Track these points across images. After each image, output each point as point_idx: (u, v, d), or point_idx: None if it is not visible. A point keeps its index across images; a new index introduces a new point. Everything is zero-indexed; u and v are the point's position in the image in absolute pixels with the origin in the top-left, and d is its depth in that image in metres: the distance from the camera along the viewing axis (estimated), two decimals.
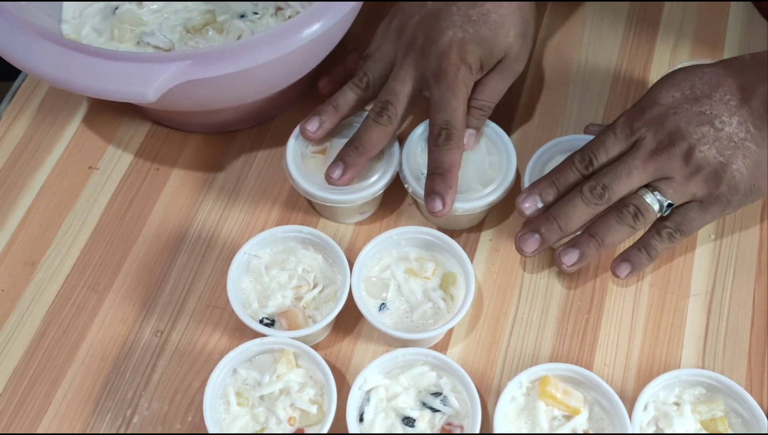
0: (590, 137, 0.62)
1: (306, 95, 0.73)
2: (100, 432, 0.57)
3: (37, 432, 0.57)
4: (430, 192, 0.60)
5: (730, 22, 0.77)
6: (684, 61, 0.74)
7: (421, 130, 0.64)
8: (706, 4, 0.78)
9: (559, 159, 0.64)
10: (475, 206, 0.61)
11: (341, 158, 0.62)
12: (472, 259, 0.64)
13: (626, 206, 0.58)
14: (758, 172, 0.58)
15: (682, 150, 0.57)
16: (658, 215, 0.59)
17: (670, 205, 0.58)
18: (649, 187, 0.58)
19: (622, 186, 0.58)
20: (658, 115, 0.59)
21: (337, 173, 0.61)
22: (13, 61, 0.58)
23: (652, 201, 0.58)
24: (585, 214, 0.59)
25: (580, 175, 0.60)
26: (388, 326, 0.57)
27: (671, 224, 0.59)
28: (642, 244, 0.60)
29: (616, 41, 0.76)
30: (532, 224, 0.60)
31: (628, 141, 0.59)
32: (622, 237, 0.59)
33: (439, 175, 0.60)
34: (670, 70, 0.62)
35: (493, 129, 0.65)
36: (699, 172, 0.57)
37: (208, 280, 0.63)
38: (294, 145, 0.64)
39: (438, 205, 0.59)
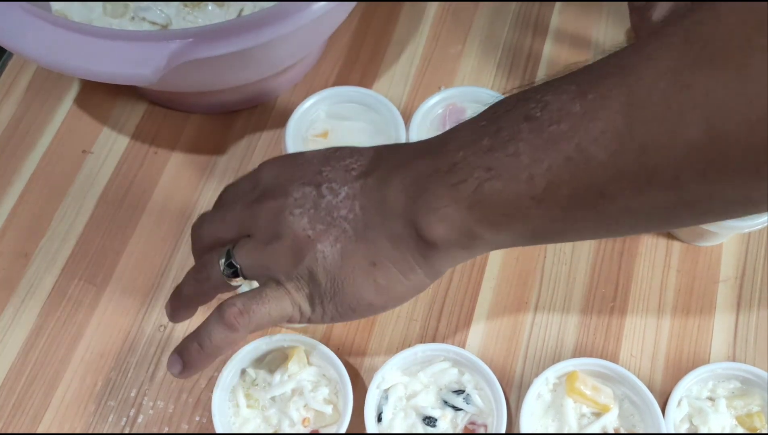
0: None
1: (311, 72, 0.69)
2: (104, 432, 0.54)
3: (38, 432, 0.54)
4: None
5: None
6: None
7: (426, 108, 0.61)
8: None
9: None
10: None
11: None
12: None
13: (198, 265, 0.49)
14: (347, 267, 0.44)
15: (275, 205, 0.45)
16: (223, 275, 0.46)
17: (231, 265, 0.46)
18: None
19: (213, 229, 0.48)
20: (284, 160, 0.49)
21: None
22: (1, 42, 0.54)
23: (221, 255, 0.46)
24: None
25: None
26: None
27: (238, 303, 0.45)
28: (197, 330, 0.47)
29: None
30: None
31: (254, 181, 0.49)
32: (191, 294, 0.49)
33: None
34: None
35: None
36: (279, 239, 0.44)
37: None
38: (294, 128, 0.60)
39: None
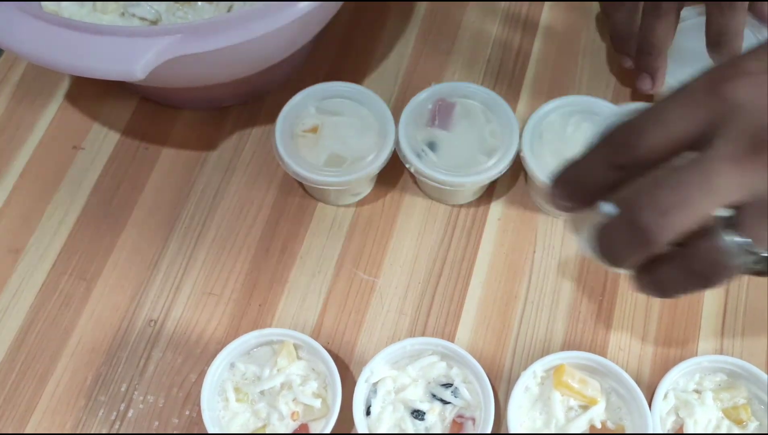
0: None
1: (301, 68, 0.69)
2: (94, 427, 0.55)
3: (27, 431, 0.54)
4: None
5: None
6: None
7: (416, 103, 0.61)
8: None
9: (554, 120, 0.61)
10: (481, 179, 0.58)
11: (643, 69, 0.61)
12: (479, 240, 0.61)
13: (692, 256, 0.34)
14: None
15: None
16: (743, 268, 0.33)
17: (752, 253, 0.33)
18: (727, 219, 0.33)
19: (686, 211, 0.32)
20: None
21: (647, 85, 0.62)
22: None
23: (731, 245, 0.32)
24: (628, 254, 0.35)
25: (609, 175, 0.35)
26: None
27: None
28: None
29: None
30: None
31: (707, 119, 0.32)
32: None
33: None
34: None
35: (489, 95, 0.61)
36: None
37: (203, 266, 0.60)
38: (283, 125, 0.60)
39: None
